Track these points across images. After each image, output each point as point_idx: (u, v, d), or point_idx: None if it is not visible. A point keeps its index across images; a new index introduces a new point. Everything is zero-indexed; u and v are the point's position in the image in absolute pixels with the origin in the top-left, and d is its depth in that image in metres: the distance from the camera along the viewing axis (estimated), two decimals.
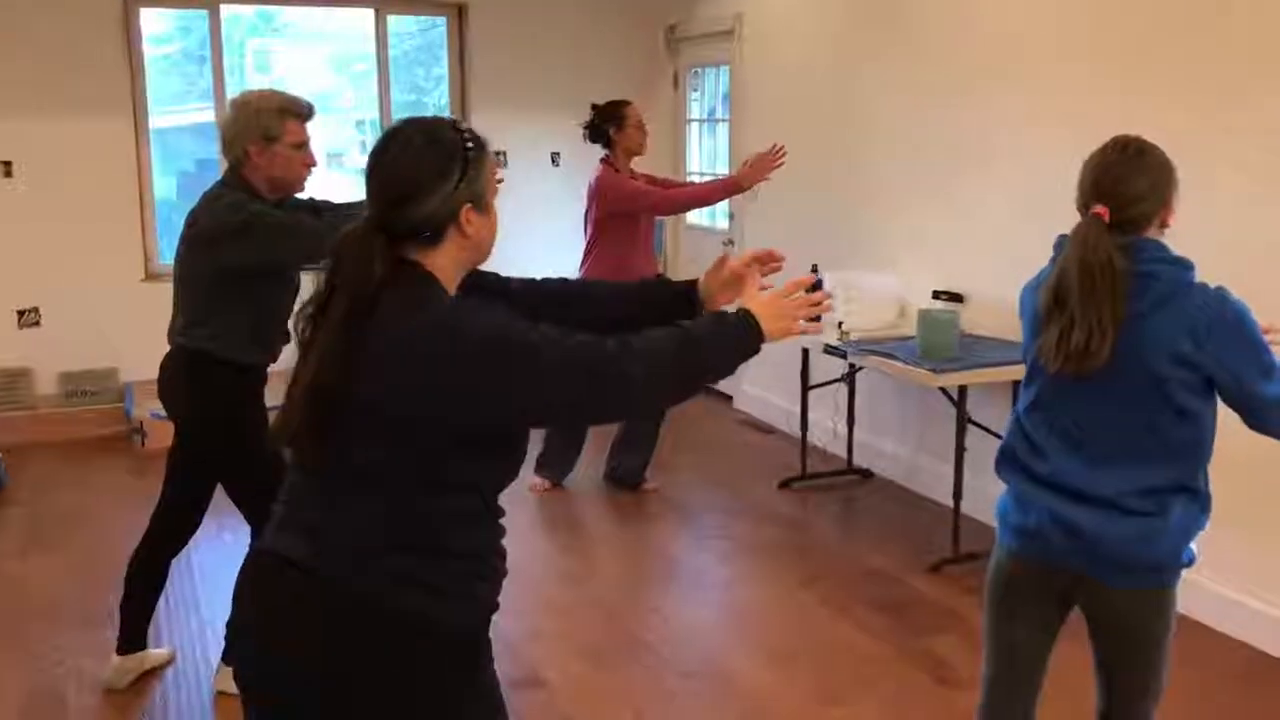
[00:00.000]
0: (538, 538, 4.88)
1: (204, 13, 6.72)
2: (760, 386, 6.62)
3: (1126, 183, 2.13)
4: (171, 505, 3.44)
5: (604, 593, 4.28)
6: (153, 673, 3.58)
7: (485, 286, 1.97)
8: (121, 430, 6.26)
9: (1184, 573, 2.22)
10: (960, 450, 4.39)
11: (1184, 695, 3.38)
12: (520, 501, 5.22)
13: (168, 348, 3.31)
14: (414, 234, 1.74)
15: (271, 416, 3.11)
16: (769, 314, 1.83)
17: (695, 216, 7.44)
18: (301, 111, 3.20)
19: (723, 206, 7.04)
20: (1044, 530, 2.22)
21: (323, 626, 1.72)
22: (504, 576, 1.89)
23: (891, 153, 5.38)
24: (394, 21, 7.38)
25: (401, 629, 1.73)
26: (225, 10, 6.84)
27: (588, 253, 5.13)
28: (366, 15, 7.16)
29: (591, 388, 1.69)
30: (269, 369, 3.30)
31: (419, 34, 7.98)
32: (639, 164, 5.25)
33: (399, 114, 7.48)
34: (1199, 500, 2.18)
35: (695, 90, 7.45)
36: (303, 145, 3.20)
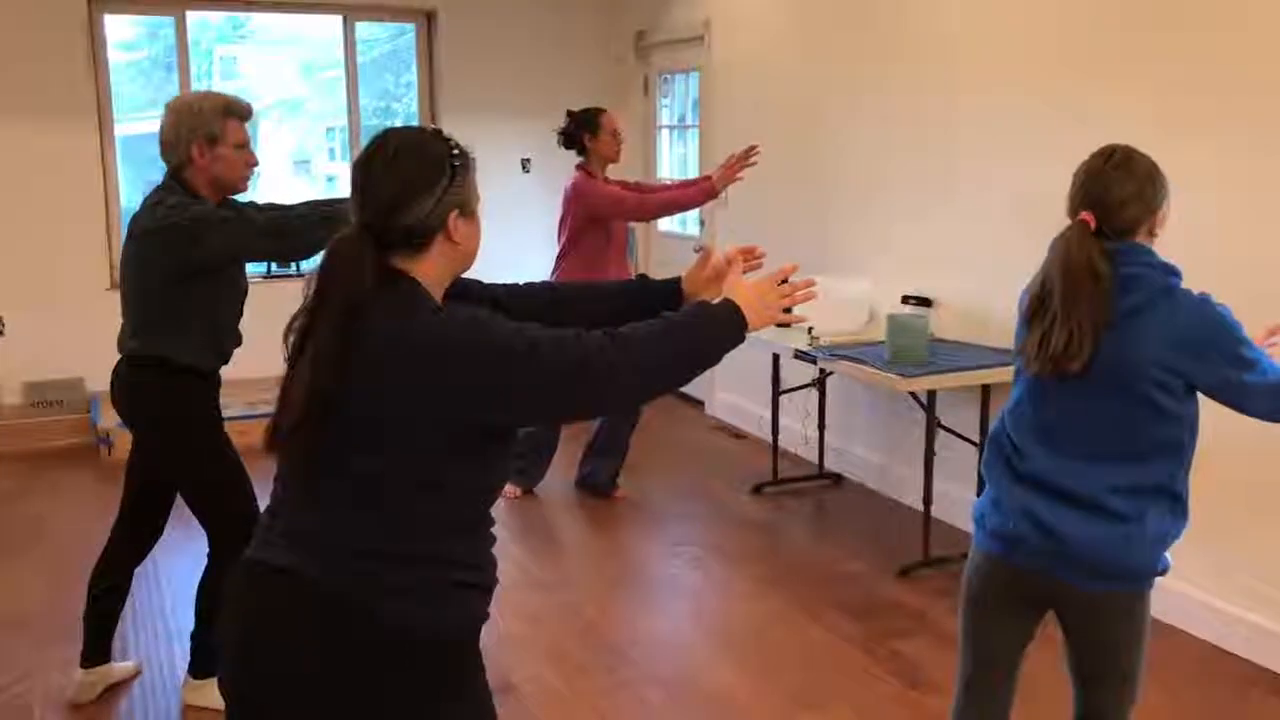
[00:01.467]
0: (509, 544, 4.86)
1: (171, 19, 6.68)
2: (732, 392, 6.63)
3: (1111, 190, 2.17)
4: (132, 514, 3.40)
5: (575, 599, 4.27)
6: (120, 685, 3.55)
7: (470, 293, 1.98)
8: (88, 440, 6.19)
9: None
10: (930, 455, 4.41)
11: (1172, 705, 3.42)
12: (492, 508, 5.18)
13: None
14: (403, 242, 1.76)
15: (228, 424, 3.07)
16: (751, 303, 1.86)
17: (667, 223, 7.45)
18: (242, 111, 3.20)
19: (694, 212, 7.07)
20: (1021, 533, 2.24)
21: (318, 636, 1.71)
22: (494, 586, 1.90)
23: (860, 159, 5.41)
24: (363, 28, 7.36)
25: (397, 638, 1.73)
26: (192, 16, 6.80)
27: (560, 259, 5.13)
28: (335, 22, 7.14)
29: (582, 380, 1.71)
30: (222, 373, 3.29)
31: (388, 40, 7.97)
32: (611, 171, 5.26)
33: (368, 121, 7.47)
34: (1178, 507, 2.20)
35: (665, 96, 7.47)
36: (244, 145, 3.19)
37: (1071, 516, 2.17)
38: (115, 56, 6.73)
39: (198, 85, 6.86)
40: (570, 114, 5.14)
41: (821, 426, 5.55)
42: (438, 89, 7.27)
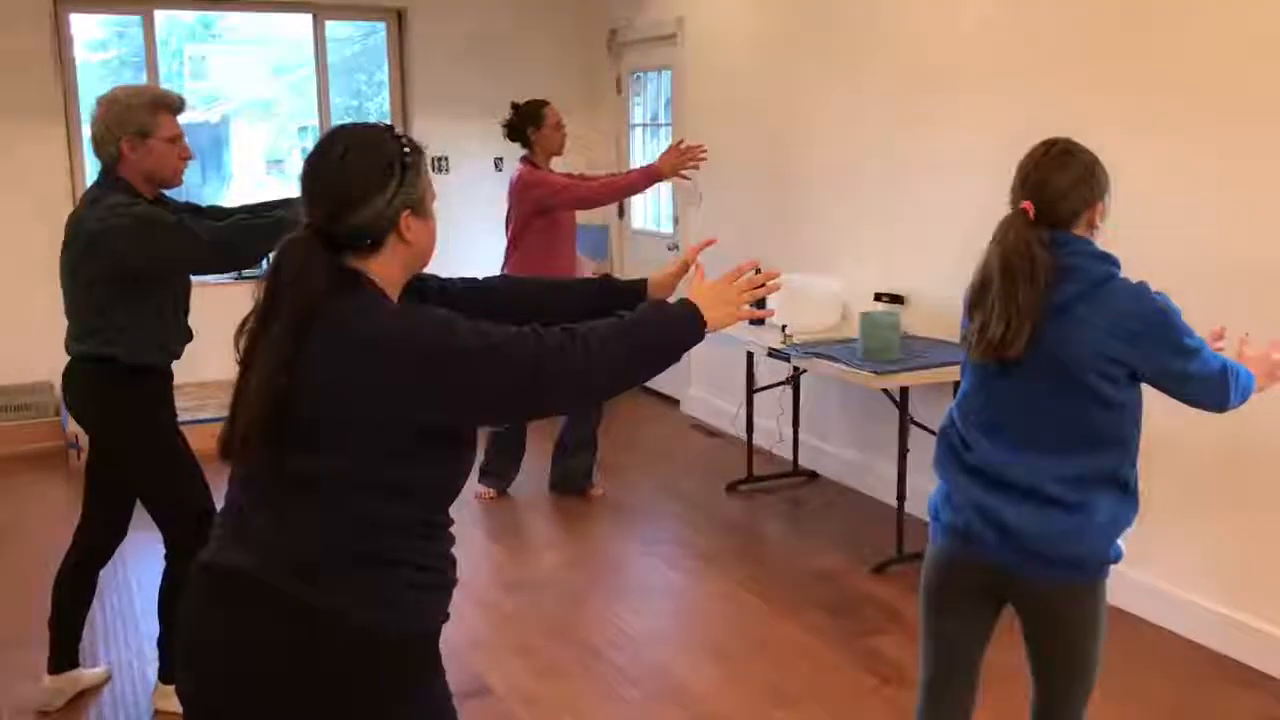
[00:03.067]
0: (483, 545, 4.84)
1: (138, 18, 6.62)
2: (706, 390, 6.64)
3: (1050, 180, 2.19)
4: (94, 517, 3.37)
5: (550, 599, 4.26)
6: (90, 692, 3.51)
7: (427, 290, 1.96)
8: (57, 444, 6.12)
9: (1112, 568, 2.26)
10: (903, 451, 4.43)
11: (1136, 695, 3.44)
12: (465, 509, 5.18)
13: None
14: (355, 242, 1.74)
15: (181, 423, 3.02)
16: (709, 301, 1.85)
17: (641, 221, 7.46)
18: (173, 104, 3.18)
19: (667, 211, 7.08)
20: (972, 526, 2.25)
21: (273, 639, 1.70)
22: (454, 586, 1.88)
23: (833, 156, 5.42)
24: (335, 27, 7.31)
25: (353, 641, 1.71)
26: (161, 15, 6.73)
27: (509, 252, 5.12)
28: (305, 21, 7.09)
29: (540, 378, 1.69)
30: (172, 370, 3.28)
31: (360, 39, 7.93)
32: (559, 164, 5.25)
33: (339, 120, 7.43)
34: (1127, 496, 2.22)
35: (637, 95, 7.46)
36: (177, 139, 3.16)
37: (1019, 508, 2.18)
38: (83, 56, 6.67)
39: (167, 85, 6.79)
40: (514, 106, 5.14)
41: (796, 424, 5.56)
42: (409, 87, 7.23)
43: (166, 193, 3.24)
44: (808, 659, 3.73)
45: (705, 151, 4.87)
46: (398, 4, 7.16)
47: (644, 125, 7.44)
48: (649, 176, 4.96)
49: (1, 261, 6.19)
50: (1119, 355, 2.11)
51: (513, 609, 4.16)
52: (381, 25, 7.32)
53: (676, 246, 6.83)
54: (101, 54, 7.44)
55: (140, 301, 3.11)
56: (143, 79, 6.64)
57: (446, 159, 7.03)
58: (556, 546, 4.94)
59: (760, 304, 1.97)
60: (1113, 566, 2.25)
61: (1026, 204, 2.19)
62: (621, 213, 7.53)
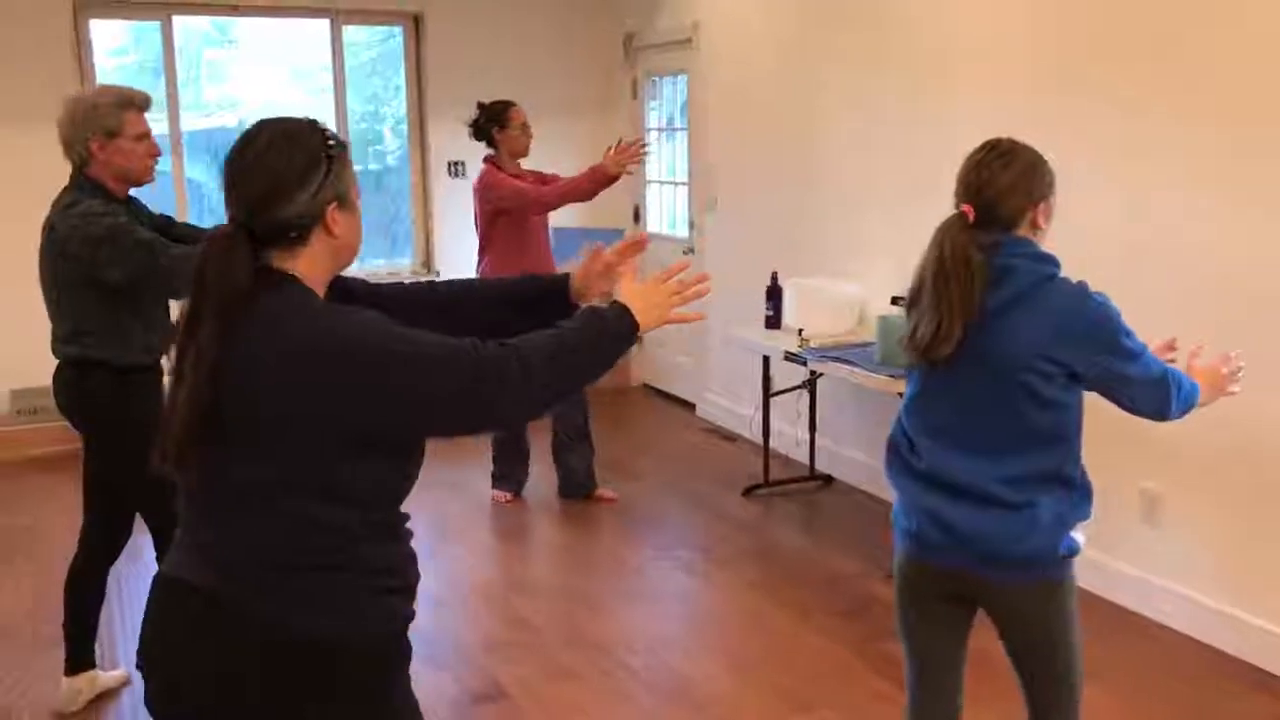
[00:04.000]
0: (497, 548, 4.85)
1: (157, 23, 6.65)
2: (722, 394, 6.63)
3: (990, 182, 2.18)
4: (98, 519, 3.38)
5: (564, 602, 4.26)
6: (108, 695, 3.52)
7: (354, 292, 1.92)
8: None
9: (1075, 561, 2.24)
10: None
11: (1150, 695, 3.42)
12: (481, 513, 5.19)
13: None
14: (279, 237, 1.70)
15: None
16: (642, 304, 1.83)
17: (656, 225, 7.45)
18: (139, 103, 3.20)
19: (683, 214, 7.07)
20: (925, 531, 2.26)
21: (227, 653, 1.68)
22: (413, 587, 1.83)
23: (850, 159, 5.40)
24: (352, 32, 7.34)
25: (308, 653, 1.69)
26: (179, 21, 6.77)
27: (480, 255, 5.16)
28: (322, 26, 7.12)
29: (479, 391, 1.65)
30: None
31: (378, 44, 7.95)
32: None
33: (356, 124, 7.45)
34: (1075, 490, 2.21)
35: (654, 99, 7.46)
36: (144, 137, 3.17)
37: (965, 510, 2.18)
38: (102, 62, 6.70)
39: (185, 91, 6.83)
40: (480, 106, 5.16)
41: (812, 428, 5.54)
42: (425, 92, 7.25)
43: (141, 197, 3.27)
44: (822, 663, 3.72)
45: (646, 146, 4.95)
46: (415, 9, 7.19)
47: (660, 129, 7.44)
48: (597, 176, 4.97)
49: (19, 265, 6.20)
50: (1058, 356, 2.10)
51: (526, 612, 4.16)
52: (399, 29, 7.35)
53: (692, 250, 6.83)
54: (120, 59, 7.48)
55: (120, 305, 3.12)
56: (161, 84, 6.68)
57: (463, 164, 7.03)
58: (570, 549, 4.93)
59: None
60: (1075, 560, 2.24)
61: (966, 207, 2.18)
62: (637, 217, 7.53)
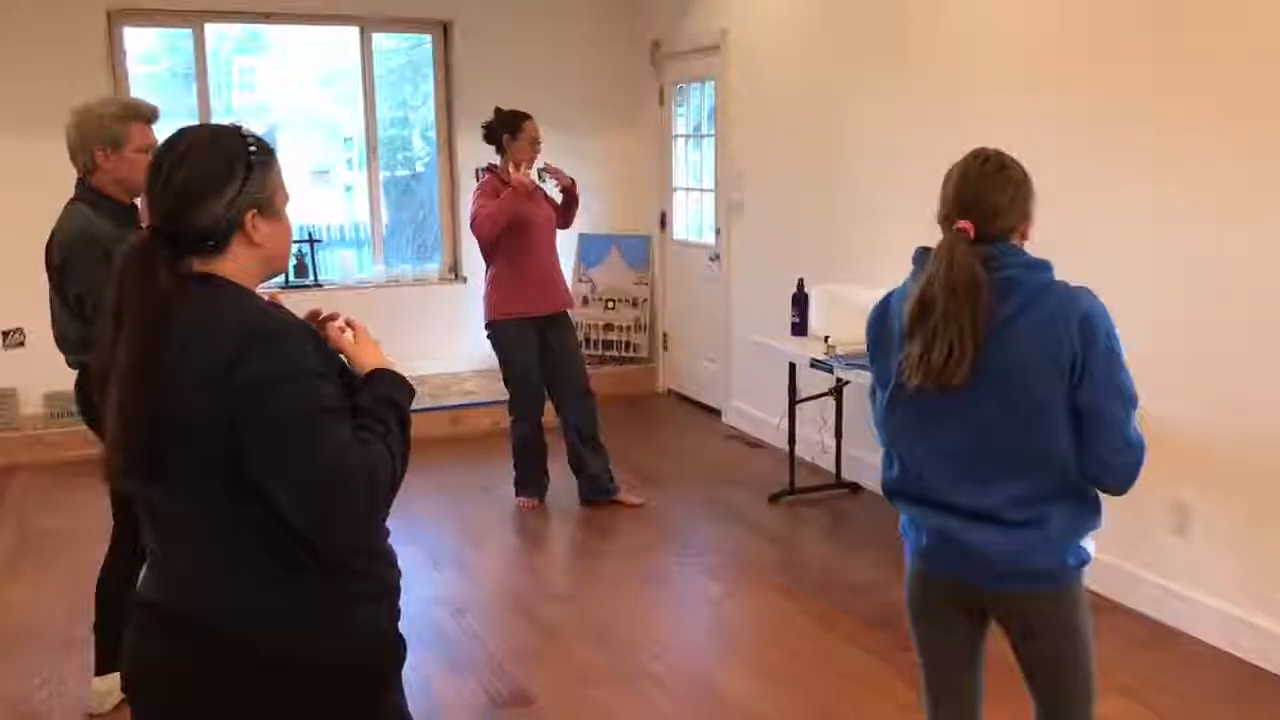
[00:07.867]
0: (523, 554, 4.86)
1: (189, 31, 6.73)
2: (748, 401, 6.62)
3: (988, 197, 2.15)
4: (123, 515, 3.41)
5: (592, 610, 4.27)
6: None
7: None
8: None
9: (1087, 569, 2.22)
10: None
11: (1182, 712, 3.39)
12: (506, 519, 5.20)
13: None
14: (196, 244, 1.67)
15: None
16: (380, 357, 1.79)
17: (682, 232, 7.45)
18: (146, 114, 3.23)
19: (709, 222, 7.07)
20: (935, 548, 2.24)
21: (200, 675, 1.66)
22: (396, 583, 1.79)
23: (876, 166, 5.39)
24: (382, 39, 7.40)
25: (277, 668, 1.66)
26: (211, 28, 6.85)
27: (487, 262, 5.23)
28: (352, 33, 7.18)
29: (360, 486, 1.59)
30: None
31: (407, 51, 8.01)
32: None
33: (385, 131, 7.50)
34: (1086, 502, 2.19)
35: (681, 106, 7.47)
36: (149, 148, 3.18)
37: (978, 530, 2.16)
38: (135, 69, 6.79)
39: (217, 97, 6.91)
40: (498, 111, 5.23)
41: (839, 435, 5.53)
42: (454, 99, 7.29)
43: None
44: (848, 671, 3.71)
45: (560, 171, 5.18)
46: (444, 17, 7.23)
47: (687, 136, 7.45)
48: (503, 208, 4.98)
49: None
50: (1066, 346, 2.05)
51: (552, 619, 4.17)
52: (428, 38, 7.40)
53: (718, 257, 6.83)
54: (151, 67, 7.57)
55: None
56: (193, 91, 6.75)
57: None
58: (596, 556, 4.94)
59: None
60: (1085, 568, 2.22)
61: (965, 224, 2.13)
62: (664, 224, 7.54)
